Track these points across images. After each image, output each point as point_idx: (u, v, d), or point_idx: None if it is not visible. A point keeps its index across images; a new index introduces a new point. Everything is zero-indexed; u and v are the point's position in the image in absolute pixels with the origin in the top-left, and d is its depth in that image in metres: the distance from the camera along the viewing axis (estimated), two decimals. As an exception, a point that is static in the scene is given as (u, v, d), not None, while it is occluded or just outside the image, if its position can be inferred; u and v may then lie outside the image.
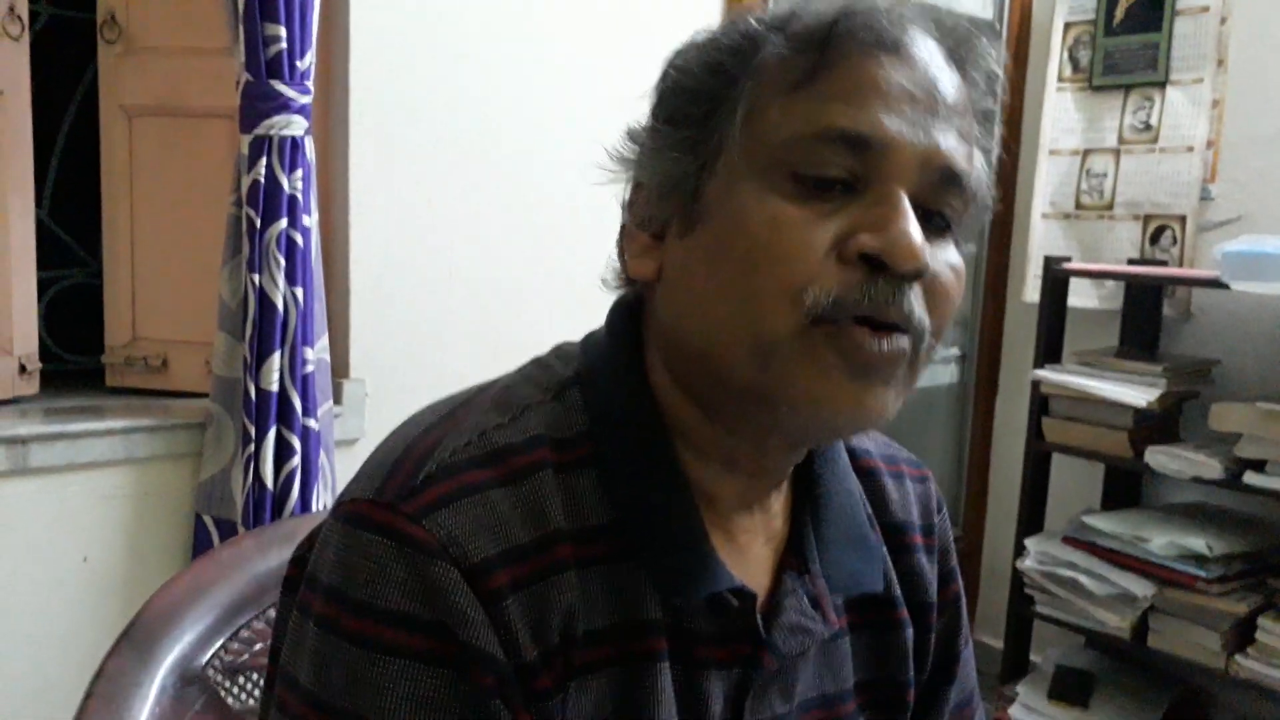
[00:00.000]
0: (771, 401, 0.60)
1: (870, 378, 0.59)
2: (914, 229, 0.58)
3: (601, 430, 0.64)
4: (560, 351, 0.71)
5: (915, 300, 0.59)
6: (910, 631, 0.76)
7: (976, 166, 0.63)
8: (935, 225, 0.61)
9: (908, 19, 0.61)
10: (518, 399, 0.65)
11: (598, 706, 0.61)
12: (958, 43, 0.63)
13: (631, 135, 0.68)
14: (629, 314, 0.69)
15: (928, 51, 0.61)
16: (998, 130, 0.67)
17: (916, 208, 0.59)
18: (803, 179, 0.58)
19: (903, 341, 0.59)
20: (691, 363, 0.64)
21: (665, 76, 0.66)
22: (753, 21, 0.63)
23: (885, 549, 0.75)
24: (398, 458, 0.62)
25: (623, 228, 0.69)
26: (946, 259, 0.62)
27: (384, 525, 0.58)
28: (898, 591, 0.75)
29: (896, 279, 0.58)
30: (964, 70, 0.63)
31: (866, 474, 0.77)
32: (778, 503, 0.71)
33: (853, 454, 0.77)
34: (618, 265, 0.70)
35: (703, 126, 0.62)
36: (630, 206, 0.68)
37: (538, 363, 0.70)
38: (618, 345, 0.68)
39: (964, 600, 0.83)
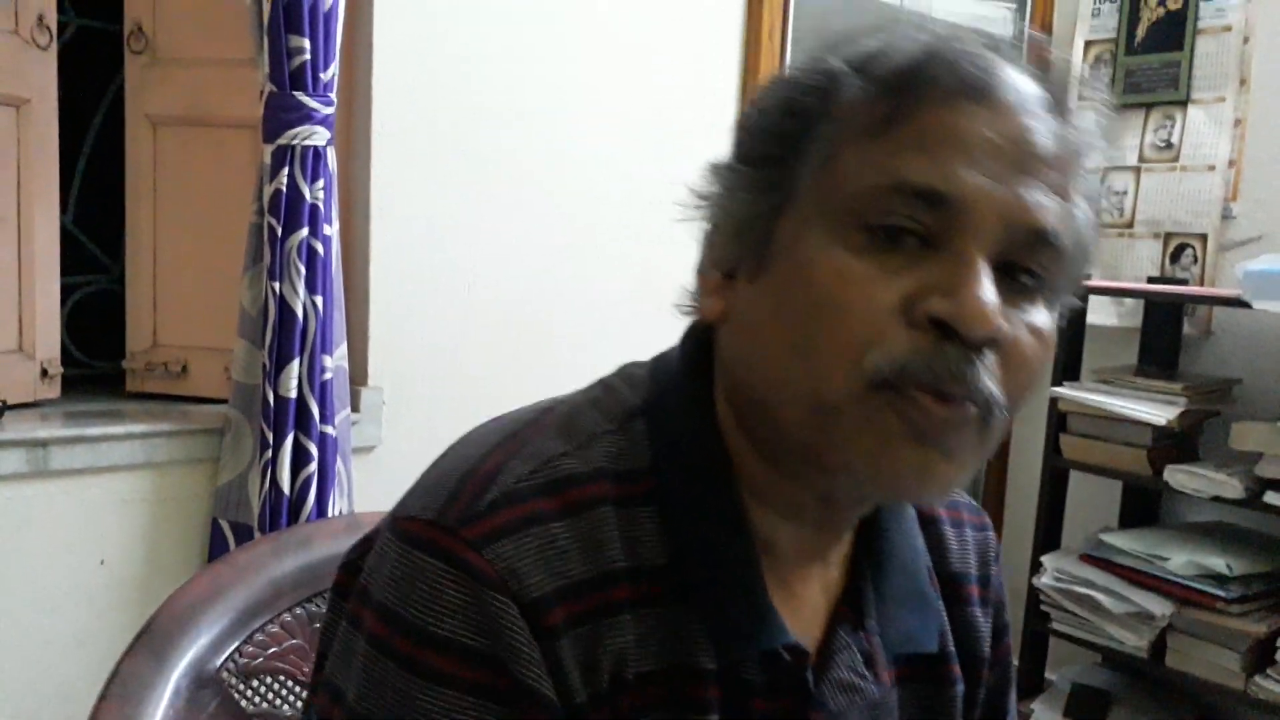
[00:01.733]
0: (829, 465, 0.58)
1: (933, 445, 0.56)
2: (987, 293, 0.54)
3: (665, 467, 0.62)
4: (628, 375, 0.68)
5: (986, 371, 0.55)
6: (961, 687, 0.73)
7: (1076, 218, 0.59)
8: (1020, 286, 0.57)
9: (999, 62, 0.57)
10: (584, 427, 0.63)
11: None
12: (1058, 86, 0.59)
13: (712, 172, 0.64)
14: (701, 344, 0.66)
15: (1020, 97, 0.57)
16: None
17: (1000, 266, 0.56)
18: (873, 230, 0.55)
19: (970, 410, 0.56)
20: (754, 411, 0.62)
21: (745, 115, 0.63)
22: (834, 60, 0.59)
23: (940, 602, 0.72)
24: (460, 478, 0.60)
25: (698, 263, 0.66)
26: (1030, 321, 0.57)
27: (444, 549, 0.56)
28: (951, 647, 0.73)
29: (966, 347, 0.54)
30: (1064, 115, 0.59)
31: (928, 522, 0.74)
32: (837, 551, 0.68)
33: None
34: (694, 295, 0.67)
35: (778, 168, 0.60)
36: (705, 244, 0.65)
37: (605, 386, 0.68)
38: (688, 377, 0.65)
39: (1013, 656, 0.80)
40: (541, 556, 0.56)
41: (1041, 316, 0.58)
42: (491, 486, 0.58)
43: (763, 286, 0.60)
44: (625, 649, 0.58)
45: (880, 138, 0.56)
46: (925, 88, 0.56)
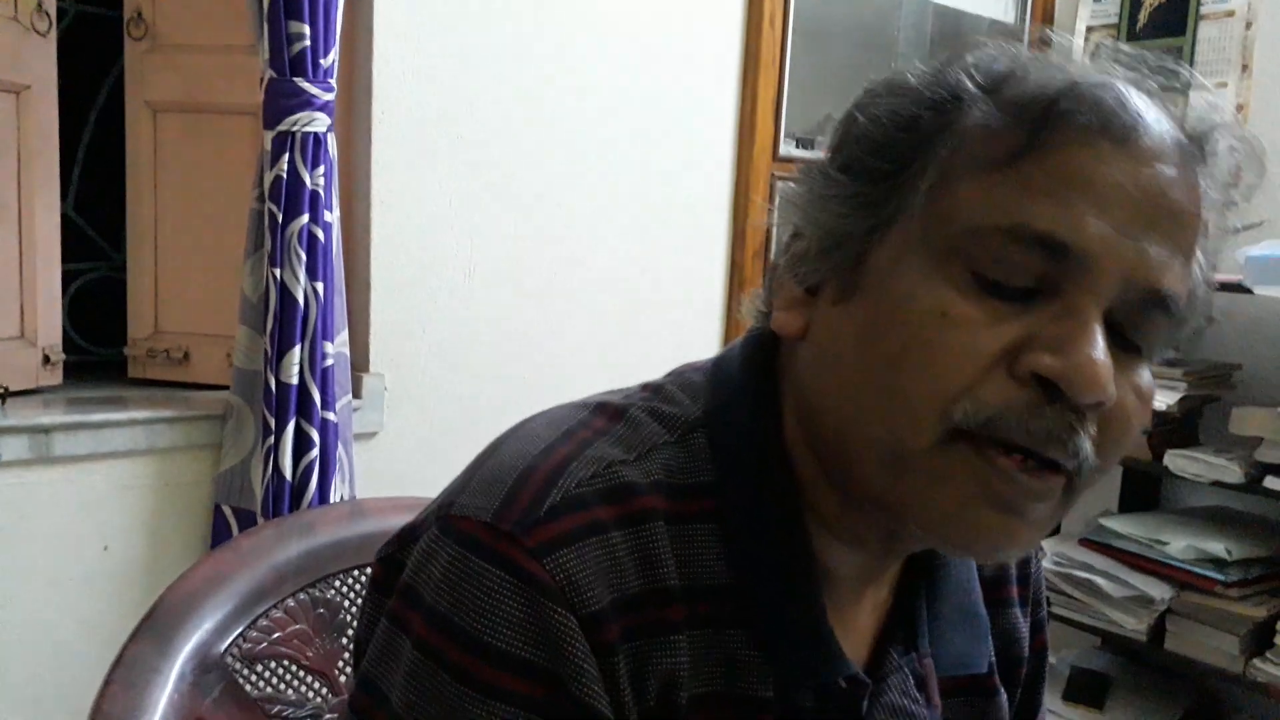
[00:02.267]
0: (900, 515, 0.55)
1: (1012, 513, 0.52)
2: (1101, 355, 0.50)
3: (728, 486, 0.59)
4: (685, 381, 0.65)
5: (1086, 436, 0.51)
6: (1004, 698, 0.71)
7: (1195, 276, 0.54)
8: (1129, 344, 0.53)
9: (1145, 104, 0.52)
10: (644, 437, 0.60)
11: None
12: (1199, 135, 0.55)
13: (805, 173, 0.60)
14: (766, 355, 0.63)
15: (1162, 144, 0.52)
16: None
17: (1111, 324, 0.52)
18: (982, 277, 0.51)
19: (1058, 480, 0.52)
20: (826, 441, 0.58)
21: (851, 119, 0.58)
22: (963, 76, 0.55)
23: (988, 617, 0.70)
24: (519, 477, 0.57)
25: (774, 267, 0.62)
26: (1134, 382, 0.54)
27: (503, 556, 0.53)
28: (993, 657, 0.70)
29: (1070, 410, 0.50)
30: (1200, 168, 0.54)
31: None
32: (889, 572, 0.66)
33: None
34: (765, 303, 0.63)
35: (882, 185, 0.55)
36: (786, 250, 0.60)
37: (661, 392, 0.64)
38: (753, 390, 0.61)
39: (1048, 650, 0.78)
40: (600, 568, 0.54)
41: (1144, 376, 0.54)
42: (552, 490, 0.56)
43: (849, 312, 0.56)
44: (677, 670, 0.56)
45: (1005, 171, 0.51)
46: (1064, 123, 0.51)
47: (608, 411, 0.62)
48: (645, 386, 0.65)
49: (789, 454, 0.60)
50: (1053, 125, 0.51)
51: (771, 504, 0.59)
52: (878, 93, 0.57)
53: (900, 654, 0.64)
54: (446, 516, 0.57)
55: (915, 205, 0.54)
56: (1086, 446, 0.51)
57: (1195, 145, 0.54)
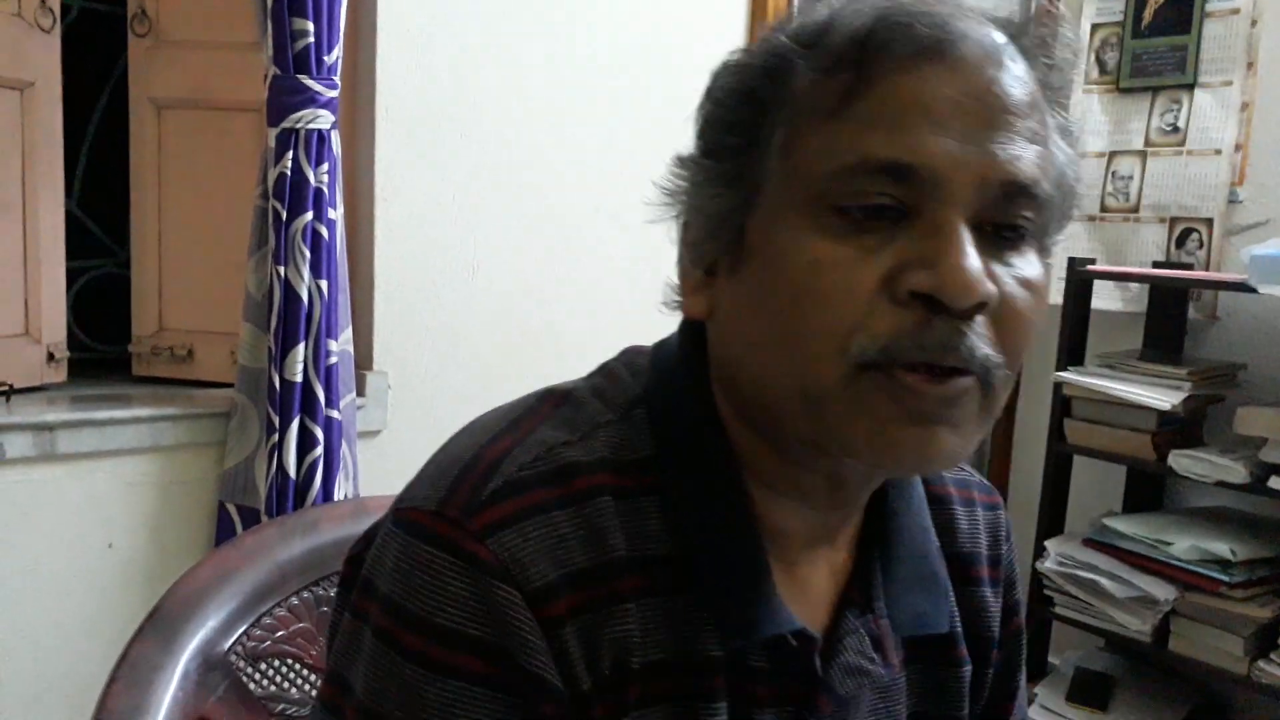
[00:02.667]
0: (831, 451, 0.57)
1: (932, 423, 0.54)
2: (969, 260, 0.52)
3: (667, 458, 0.61)
4: (630, 362, 0.68)
5: (978, 337, 0.54)
6: (969, 669, 0.72)
7: (1056, 157, 0.58)
8: (1005, 240, 0.55)
9: (954, 16, 0.55)
10: (587, 417, 0.63)
11: None
12: (1019, 26, 0.57)
13: (679, 165, 0.63)
14: (696, 335, 0.65)
15: (981, 49, 0.54)
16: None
17: (982, 225, 0.54)
18: (846, 211, 0.54)
19: (966, 382, 0.54)
20: (749, 403, 0.61)
21: (701, 106, 0.61)
22: (783, 38, 0.57)
23: (950, 581, 0.71)
24: (463, 467, 0.59)
25: (679, 260, 0.65)
26: (1020, 275, 0.56)
27: (447, 540, 0.56)
28: (959, 628, 0.72)
29: (955, 318, 0.53)
30: (1029, 55, 0.57)
31: (937, 501, 0.73)
32: (844, 534, 0.68)
33: (925, 479, 0.73)
34: (677, 292, 0.65)
35: (740, 159, 0.58)
36: (682, 241, 0.64)
37: (608, 373, 0.67)
38: (685, 368, 0.64)
39: (1025, 635, 0.79)
40: (544, 545, 0.56)
41: (1030, 267, 0.57)
42: (494, 475, 0.58)
43: (742, 282, 0.59)
44: (629, 639, 0.58)
45: (841, 116, 0.54)
46: (879, 56, 0.54)
47: (554, 397, 0.65)
48: (595, 369, 0.68)
49: (724, 423, 0.63)
50: (872, 60, 0.54)
51: (709, 470, 0.61)
52: (719, 75, 0.61)
53: (856, 615, 0.66)
54: (397, 510, 0.60)
55: (773, 170, 0.57)
56: (981, 346, 0.54)
57: (1016, 39, 0.57)
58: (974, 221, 0.54)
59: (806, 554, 0.65)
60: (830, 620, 0.66)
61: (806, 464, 0.61)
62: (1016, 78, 0.55)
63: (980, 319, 0.54)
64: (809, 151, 0.55)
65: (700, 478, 0.61)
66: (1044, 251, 0.59)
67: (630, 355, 0.69)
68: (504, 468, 0.59)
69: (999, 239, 0.55)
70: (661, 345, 0.68)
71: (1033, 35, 0.57)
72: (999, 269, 0.55)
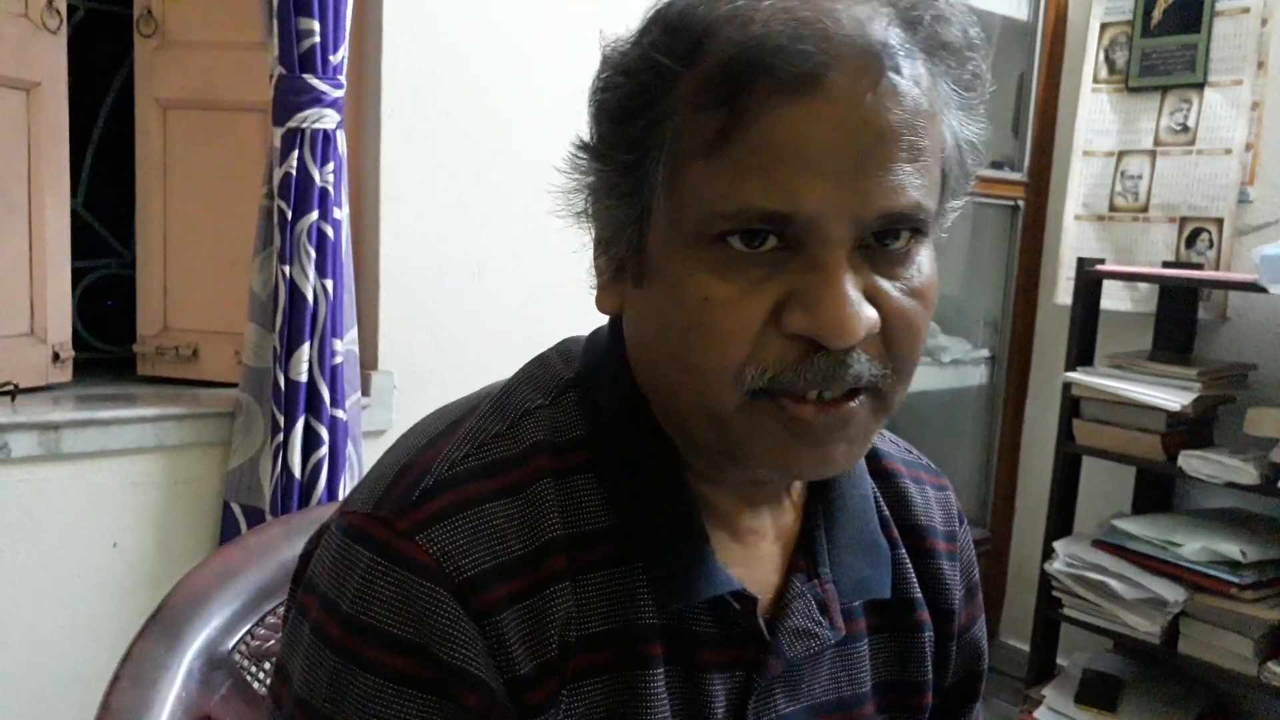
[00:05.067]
0: (738, 462, 0.60)
1: (824, 444, 0.57)
2: (847, 301, 0.53)
3: (598, 437, 0.63)
4: (564, 349, 0.70)
5: (861, 363, 0.56)
6: (930, 634, 0.74)
7: (947, 142, 0.57)
8: (891, 248, 0.56)
9: (830, 16, 0.53)
10: (516, 403, 0.65)
11: (589, 712, 0.60)
12: (909, 18, 0.55)
13: (582, 150, 0.63)
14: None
15: (855, 68, 0.52)
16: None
17: (866, 245, 0.55)
18: (732, 244, 0.55)
19: (855, 403, 0.57)
20: (664, 409, 0.63)
21: (591, 101, 0.61)
22: (659, 55, 0.56)
23: (905, 551, 0.74)
24: (399, 470, 0.62)
25: (592, 253, 0.66)
26: (908, 285, 0.57)
27: (378, 541, 0.58)
28: (918, 594, 0.74)
29: (837, 353, 0.55)
30: (918, 37, 0.55)
31: (886, 475, 0.75)
32: (789, 500, 0.69)
33: (873, 455, 0.75)
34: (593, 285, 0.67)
35: (631, 176, 0.59)
36: (592, 235, 0.65)
37: (541, 361, 0.69)
38: (614, 353, 0.66)
39: (984, 618, 0.81)
40: (477, 537, 0.58)
41: (918, 274, 0.57)
42: (426, 475, 0.60)
43: (646, 296, 0.60)
44: (569, 615, 0.59)
45: (720, 154, 0.54)
46: (753, 91, 0.52)
47: (490, 392, 0.67)
48: (532, 359, 0.70)
49: (650, 404, 0.64)
50: (744, 98, 0.53)
51: (638, 446, 0.63)
52: (603, 71, 0.60)
53: (803, 581, 0.67)
54: (340, 512, 0.63)
55: (660, 194, 0.57)
56: (866, 369, 0.56)
57: (903, 24, 0.55)
58: (857, 244, 0.55)
59: (749, 521, 0.67)
60: (780, 585, 0.68)
61: (724, 464, 0.63)
62: (893, 91, 0.53)
63: (861, 350, 0.56)
64: (691, 188, 0.56)
65: (631, 453, 0.63)
66: (933, 234, 0.59)
67: (565, 343, 0.71)
68: (435, 467, 0.60)
69: (885, 249, 0.56)
70: (596, 333, 0.69)
71: (924, 21, 0.56)
72: (885, 284, 0.56)
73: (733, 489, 0.66)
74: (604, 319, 0.68)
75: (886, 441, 0.78)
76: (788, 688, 0.66)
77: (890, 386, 0.58)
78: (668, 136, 0.56)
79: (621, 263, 0.62)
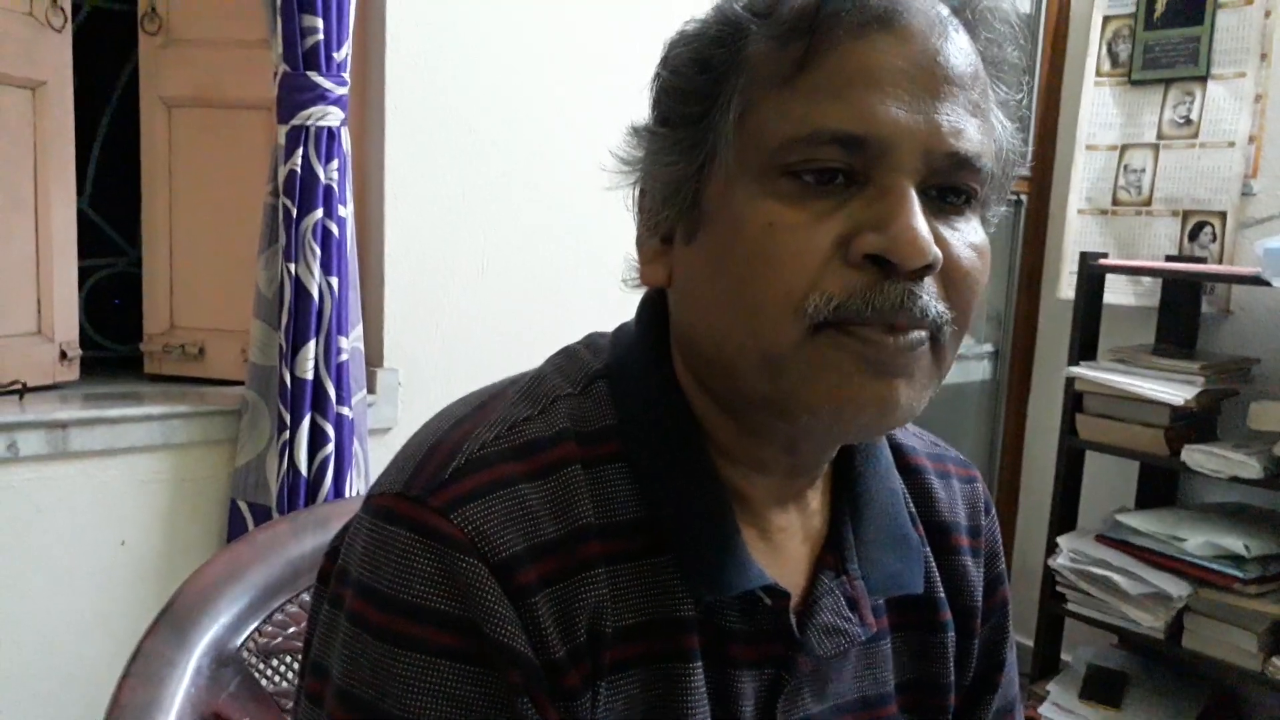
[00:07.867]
0: (790, 411, 0.58)
1: (890, 374, 0.56)
2: (918, 222, 0.54)
3: (629, 427, 0.63)
4: (591, 342, 0.70)
5: (929, 296, 0.56)
6: (952, 634, 0.73)
7: (996, 130, 0.60)
8: (951, 204, 0.58)
9: None
10: (546, 391, 0.64)
11: (629, 705, 0.60)
12: (962, 3, 0.59)
13: (634, 136, 0.65)
14: (655, 310, 0.67)
15: (927, 20, 0.56)
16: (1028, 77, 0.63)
17: (929, 189, 0.57)
18: (799, 175, 0.56)
19: (920, 335, 0.57)
20: (708, 370, 0.62)
21: (657, 76, 0.63)
22: (737, 8, 0.59)
23: (929, 549, 0.73)
24: (428, 450, 0.61)
25: (637, 232, 0.67)
26: (966, 239, 0.58)
27: (411, 519, 0.57)
28: (941, 593, 0.73)
29: (906, 279, 0.55)
30: (973, 29, 0.59)
31: (911, 472, 0.75)
32: (816, 500, 0.69)
33: (898, 451, 0.75)
34: (636, 266, 0.68)
35: (697, 127, 0.60)
36: (638, 212, 0.66)
37: (567, 353, 0.69)
38: (645, 343, 0.66)
39: (1010, 607, 0.80)
40: (510, 517, 0.57)
41: (975, 233, 0.59)
42: (457, 455, 0.59)
43: (699, 248, 0.60)
44: (601, 604, 0.59)
45: (793, 85, 0.56)
46: (831, 26, 0.55)
47: (517, 380, 0.67)
48: (557, 351, 0.70)
49: (684, 393, 0.64)
50: (823, 30, 0.55)
51: (672, 436, 0.63)
52: (675, 44, 0.62)
53: (831, 577, 0.67)
54: (368, 498, 0.62)
55: (728, 137, 0.58)
56: (933, 305, 0.56)
57: (964, 10, 0.59)
58: (921, 186, 0.56)
59: (778, 519, 0.67)
60: (807, 583, 0.67)
61: (764, 432, 0.62)
62: (960, 49, 0.57)
63: (930, 280, 0.56)
64: (764, 120, 0.57)
65: (664, 443, 0.63)
66: (985, 223, 0.61)
67: (591, 337, 0.71)
68: (466, 446, 0.60)
69: (945, 205, 0.58)
70: (622, 326, 0.70)
71: (974, 8, 0.59)
72: (946, 232, 0.57)
73: (765, 475, 0.65)
74: (623, 317, 0.69)
75: (911, 435, 0.78)
76: (815, 686, 0.66)
77: (947, 337, 0.58)
78: (742, 77, 0.58)
79: (671, 229, 0.63)
